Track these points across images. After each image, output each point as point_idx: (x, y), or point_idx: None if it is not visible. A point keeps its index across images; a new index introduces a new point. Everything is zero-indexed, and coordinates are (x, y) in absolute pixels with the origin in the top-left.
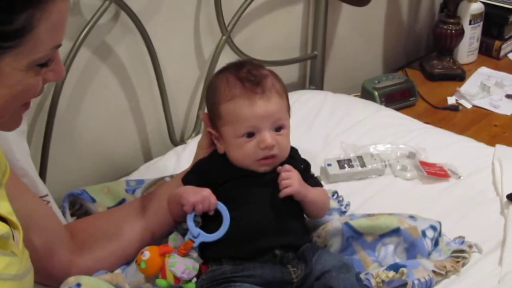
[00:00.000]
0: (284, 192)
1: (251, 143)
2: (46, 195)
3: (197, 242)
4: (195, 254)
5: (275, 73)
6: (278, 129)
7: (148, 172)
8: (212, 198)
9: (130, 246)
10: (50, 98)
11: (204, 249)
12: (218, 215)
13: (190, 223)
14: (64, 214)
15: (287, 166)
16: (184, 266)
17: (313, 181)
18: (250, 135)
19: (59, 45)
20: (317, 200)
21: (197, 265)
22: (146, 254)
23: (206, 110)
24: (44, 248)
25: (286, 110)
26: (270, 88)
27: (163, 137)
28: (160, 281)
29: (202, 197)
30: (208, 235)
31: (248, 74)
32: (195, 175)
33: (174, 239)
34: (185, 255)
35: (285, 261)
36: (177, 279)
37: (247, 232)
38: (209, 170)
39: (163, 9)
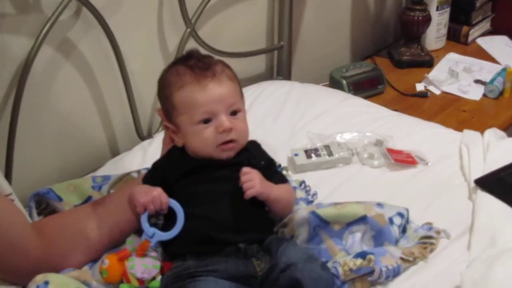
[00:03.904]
0: (247, 195)
1: (209, 129)
2: (10, 194)
3: (153, 241)
4: (154, 253)
5: (224, 61)
6: (234, 113)
7: (114, 168)
8: (163, 197)
9: (98, 243)
10: (14, 96)
11: (168, 247)
12: (175, 213)
13: (144, 223)
14: (30, 213)
15: (246, 169)
16: (142, 266)
17: (278, 178)
18: (207, 121)
19: None
20: (281, 197)
21: (158, 263)
22: (106, 262)
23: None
24: (11, 246)
25: (240, 95)
26: (221, 73)
27: (130, 132)
28: (123, 286)
29: (152, 197)
30: (163, 234)
31: (197, 62)
32: (152, 175)
33: (131, 242)
34: (143, 255)
35: (249, 254)
36: (141, 281)
37: (207, 228)
38: (165, 167)
39: (125, 4)
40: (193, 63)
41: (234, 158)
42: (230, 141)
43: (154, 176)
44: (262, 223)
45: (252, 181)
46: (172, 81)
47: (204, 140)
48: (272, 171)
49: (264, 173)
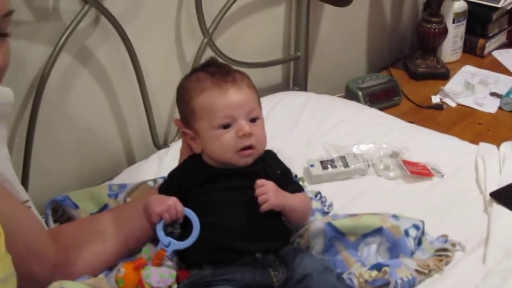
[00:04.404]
0: (262, 208)
1: (229, 133)
2: (27, 201)
3: (169, 250)
4: (170, 262)
5: (242, 71)
6: (253, 120)
7: (130, 176)
8: (178, 206)
9: (114, 251)
10: (31, 103)
11: (184, 255)
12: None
13: (159, 232)
14: (47, 220)
15: (260, 181)
16: (158, 275)
17: (294, 187)
18: (227, 126)
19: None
20: (297, 207)
21: (173, 272)
22: (122, 271)
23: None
24: (27, 253)
25: (258, 103)
26: (241, 80)
27: (146, 140)
28: None
29: (168, 206)
30: (178, 243)
31: (217, 68)
32: (167, 184)
33: (146, 250)
34: (159, 264)
35: (266, 264)
36: None
37: (222, 236)
38: (181, 177)
39: (143, 13)
40: (213, 70)
41: (250, 167)
42: (249, 147)
43: (169, 185)
44: (277, 232)
45: (266, 194)
46: (192, 87)
47: (223, 145)
48: (287, 181)
49: (279, 182)
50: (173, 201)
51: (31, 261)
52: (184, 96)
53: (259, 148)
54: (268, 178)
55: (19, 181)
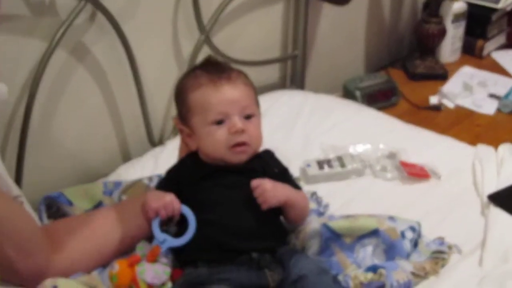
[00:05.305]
0: (262, 208)
1: (222, 129)
2: (19, 196)
3: (164, 247)
4: (165, 259)
5: (241, 70)
6: (248, 117)
7: (126, 173)
8: (176, 203)
9: (108, 248)
10: (26, 100)
11: (180, 253)
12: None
13: (155, 229)
14: (40, 216)
15: (254, 183)
16: (153, 272)
17: (291, 185)
18: (220, 122)
19: None
20: (297, 202)
21: (168, 269)
22: (116, 267)
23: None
24: (19, 250)
25: (254, 101)
26: (236, 77)
27: (142, 138)
28: None
29: (164, 202)
30: (174, 240)
31: (214, 66)
32: (165, 181)
33: (141, 247)
34: (154, 261)
35: (262, 264)
36: (150, 286)
37: (219, 234)
38: (179, 174)
39: (140, 9)
40: (210, 67)
41: (248, 164)
42: (243, 143)
43: (167, 182)
44: (274, 231)
45: (263, 193)
46: (189, 84)
47: (216, 141)
48: (285, 179)
49: (277, 180)
50: (170, 198)
51: (23, 258)
52: (181, 93)
53: (253, 145)
54: (265, 176)
55: (12, 177)
